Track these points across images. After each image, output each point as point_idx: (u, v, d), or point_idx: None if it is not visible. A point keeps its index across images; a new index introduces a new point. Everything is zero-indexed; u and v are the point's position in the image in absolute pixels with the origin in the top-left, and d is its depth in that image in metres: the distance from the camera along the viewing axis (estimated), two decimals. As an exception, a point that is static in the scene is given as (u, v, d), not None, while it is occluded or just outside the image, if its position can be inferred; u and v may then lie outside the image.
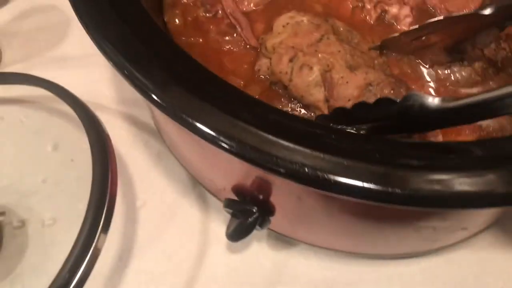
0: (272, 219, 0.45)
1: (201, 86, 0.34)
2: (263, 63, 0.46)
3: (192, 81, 0.34)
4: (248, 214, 0.44)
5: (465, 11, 0.44)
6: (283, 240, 0.51)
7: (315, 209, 0.41)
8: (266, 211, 0.44)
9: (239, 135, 0.31)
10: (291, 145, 0.31)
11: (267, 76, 0.46)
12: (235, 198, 0.46)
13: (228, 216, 0.46)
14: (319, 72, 0.43)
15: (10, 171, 0.55)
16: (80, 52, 0.63)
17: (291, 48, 0.44)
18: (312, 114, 0.45)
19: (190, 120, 0.32)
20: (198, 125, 0.31)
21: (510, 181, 0.28)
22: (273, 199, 0.43)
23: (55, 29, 0.65)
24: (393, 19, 0.50)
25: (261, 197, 0.43)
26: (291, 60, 0.44)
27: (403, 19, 0.50)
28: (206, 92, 0.33)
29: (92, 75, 0.62)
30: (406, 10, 0.49)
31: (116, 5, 0.37)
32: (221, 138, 0.31)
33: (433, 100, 0.34)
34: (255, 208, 0.44)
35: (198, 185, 0.54)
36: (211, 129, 0.31)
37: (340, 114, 0.39)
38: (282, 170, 0.30)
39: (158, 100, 0.33)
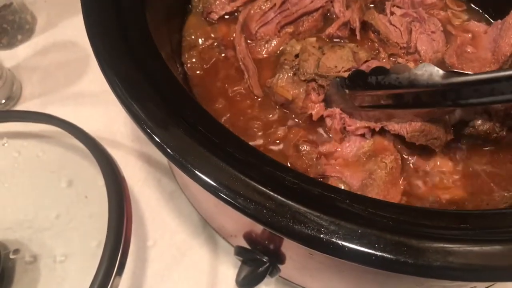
0: (282, 267, 0.46)
1: (210, 136, 0.34)
2: None
3: (200, 131, 0.35)
4: (259, 263, 0.44)
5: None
6: (291, 286, 0.52)
7: (325, 264, 0.41)
8: (277, 261, 0.45)
9: (251, 195, 0.31)
10: (305, 209, 0.31)
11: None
12: (246, 245, 0.47)
13: (237, 259, 0.46)
14: None
15: (24, 206, 0.56)
16: (98, 89, 0.64)
17: None
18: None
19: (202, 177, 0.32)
20: (213, 183, 0.32)
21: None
22: (284, 249, 0.43)
23: (74, 65, 0.67)
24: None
25: (272, 247, 0.44)
26: None
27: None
28: (218, 146, 0.34)
29: (109, 112, 0.63)
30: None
31: (133, 48, 0.38)
32: (237, 200, 0.32)
33: (441, 72, 0.37)
34: (266, 257, 0.44)
35: (208, 227, 0.55)
36: (223, 188, 0.32)
37: (357, 76, 0.42)
38: (293, 236, 0.31)
39: (163, 145, 0.33)
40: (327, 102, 0.47)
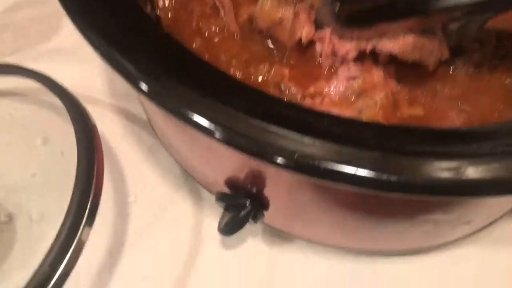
0: (266, 212, 0.44)
1: (191, 74, 0.32)
2: None
3: (182, 69, 0.33)
4: (241, 207, 0.43)
5: None
6: (279, 236, 0.50)
7: (310, 201, 0.39)
8: (259, 204, 0.43)
9: (229, 122, 0.30)
10: (283, 131, 0.29)
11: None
12: (228, 191, 0.44)
13: (220, 207, 0.44)
14: None
15: (-2, 166, 0.54)
16: (73, 45, 0.62)
17: None
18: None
19: (181, 109, 0.30)
20: (190, 114, 0.30)
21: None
22: (267, 191, 0.41)
23: (48, 21, 0.64)
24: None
25: (254, 190, 0.42)
26: None
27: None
28: (197, 80, 0.32)
29: (85, 68, 0.61)
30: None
31: None
32: (213, 126, 0.30)
33: None
34: (248, 201, 0.42)
35: (190, 179, 0.53)
36: (203, 117, 0.30)
37: None
38: (274, 159, 0.29)
39: (147, 88, 0.31)
40: (317, 25, 0.44)
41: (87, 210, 0.40)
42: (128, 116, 0.58)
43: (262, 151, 0.29)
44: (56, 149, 0.55)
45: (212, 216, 0.51)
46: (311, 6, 0.45)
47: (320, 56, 0.45)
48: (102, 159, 0.45)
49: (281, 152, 0.28)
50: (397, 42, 0.41)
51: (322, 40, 0.44)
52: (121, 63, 0.33)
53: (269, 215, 0.44)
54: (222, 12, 0.47)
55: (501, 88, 0.44)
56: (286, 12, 0.45)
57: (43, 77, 0.51)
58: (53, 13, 0.64)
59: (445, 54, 0.42)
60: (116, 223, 0.51)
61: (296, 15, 0.45)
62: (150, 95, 0.32)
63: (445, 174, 0.27)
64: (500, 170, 0.27)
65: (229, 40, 0.47)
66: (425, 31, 0.40)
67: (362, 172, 0.27)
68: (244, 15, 0.47)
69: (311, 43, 0.45)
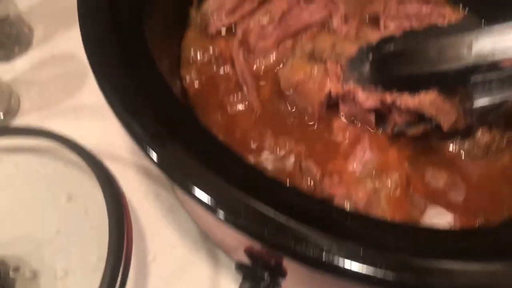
0: (283, 283, 0.46)
1: (207, 153, 0.34)
2: None
3: (197, 147, 0.34)
4: (259, 279, 0.44)
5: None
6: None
7: (327, 283, 0.41)
8: (277, 276, 0.45)
9: (250, 214, 0.31)
10: (306, 229, 0.31)
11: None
12: (247, 260, 0.46)
13: (238, 276, 0.46)
14: None
15: (24, 221, 0.56)
16: (96, 102, 0.64)
17: None
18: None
19: (183, 183, 0.32)
20: (192, 189, 0.32)
21: None
22: (285, 266, 0.43)
23: (72, 78, 0.66)
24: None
25: (272, 263, 0.44)
26: None
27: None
28: (214, 161, 0.34)
29: (107, 124, 0.62)
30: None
31: (129, 60, 0.38)
32: (237, 220, 0.31)
33: None
34: (267, 273, 0.44)
35: (208, 241, 0.55)
36: (207, 194, 0.31)
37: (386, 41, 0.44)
38: (293, 255, 0.31)
39: (158, 162, 0.34)
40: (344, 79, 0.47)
41: (119, 278, 0.43)
42: (148, 174, 0.60)
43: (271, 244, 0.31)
44: (80, 206, 0.57)
45: (228, 278, 0.53)
46: (338, 63, 0.48)
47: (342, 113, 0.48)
48: (131, 228, 0.48)
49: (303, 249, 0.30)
50: (417, 98, 0.44)
51: (346, 97, 0.47)
52: (133, 128, 0.35)
53: (285, 284, 0.46)
54: (245, 89, 0.50)
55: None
56: (315, 67, 0.48)
57: (68, 141, 0.54)
58: (77, 71, 0.67)
59: (461, 122, 0.45)
60: (136, 283, 0.53)
61: (325, 70, 0.48)
62: (158, 165, 0.34)
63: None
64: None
65: (250, 114, 0.50)
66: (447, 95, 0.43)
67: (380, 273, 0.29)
68: (266, 91, 0.50)
69: (334, 106, 0.49)
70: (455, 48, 0.40)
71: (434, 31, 0.43)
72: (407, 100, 0.43)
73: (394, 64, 0.45)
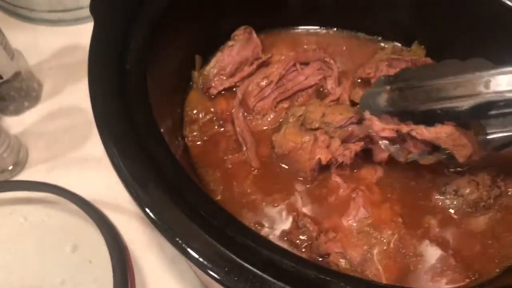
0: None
1: (204, 215, 0.36)
2: None
3: (197, 211, 0.37)
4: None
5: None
6: None
7: None
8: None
9: (247, 279, 0.33)
10: None
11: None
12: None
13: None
14: None
15: (31, 272, 0.57)
16: (101, 154, 0.66)
17: None
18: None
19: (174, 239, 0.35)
20: (182, 246, 0.34)
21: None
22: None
23: (79, 130, 0.69)
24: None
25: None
26: None
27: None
28: (214, 228, 0.36)
29: (112, 175, 0.64)
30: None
31: (135, 126, 0.41)
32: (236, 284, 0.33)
33: None
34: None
35: (210, 292, 0.57)
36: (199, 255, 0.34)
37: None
38: None
39: (156, 221, 0.36)
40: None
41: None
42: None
43: None
44: (85, 257, 0.59)
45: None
46: (326, 133, 0.51)
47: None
48: (134, 280, 0.50)
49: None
50: (433, 130, 0.46)
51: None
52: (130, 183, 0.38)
53: None
54: (244, 148, 0.53)
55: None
56: (306, 137, 0.51)
57: (73, 195, 0.57)
58: (83, 123, 0.69)
59: (476, 154, 0.47)
60: (139, 333, 0.55)
61: (315, 139, 0.51)
62: (154, 223, 0.36)
63: None
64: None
65: (249, 172, 0.53)
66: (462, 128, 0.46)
67: None
68: (264, 150, 0.53)
69: (327, 168, 0.51)
70: (472, 84, 0.43)
71: (451, 67, 0.46)
72: (423, 131, 0.46)
73: (411, 97, 0.48)
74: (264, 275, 0.33)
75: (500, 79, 0.42)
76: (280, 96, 0.55)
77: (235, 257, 0.34)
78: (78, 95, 0.71)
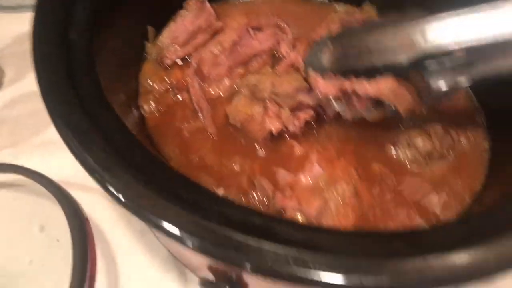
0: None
1: (161, 182, 0.37)
2: None
3: (152, 177, 0.37)
4: (223, 293, 0.47)
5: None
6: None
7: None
8: (238, 288, 0.47)
9: (204, 234, 0.34)
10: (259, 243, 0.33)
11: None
12: (211, 276, 0.49)
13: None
14: None
15: (-1, 254, 0.58)
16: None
17: None
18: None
19: (152, 217, 0.35)
20: (162, 223, 0.34)
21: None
22: (247, 279, 0.45)
23: (43, 114, 0.68)
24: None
25: (234, 276, 0.46)
26: None
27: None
28: (168, 188, 0.36)
29: None
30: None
31: (83, 100, 0.41)
32: (184, 236, 0.34)
33: None
34: (228, 287, 0.47)
35: (178, 262, 0.57)
36: (176, 227, 0.34)
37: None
38: (250, 268, 0.33)
39: (119, 197, 0.36)
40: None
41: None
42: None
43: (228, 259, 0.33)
44: (52, 236, 0.59)
45: (198, 296, 0.55)
46: (276, 103, 0.51)
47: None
48: (94, 251, 0.50)
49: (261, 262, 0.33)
50: (375, 86, 0.46)
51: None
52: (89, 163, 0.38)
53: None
54: (200, 115, 0.53)
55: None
56: (257, 108, 0.51)
57: (35, 173, 0.57)
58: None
59: (417, 107, 0.47)
60: (109, 305, 0.55)
61: (266, 110, 0.51)
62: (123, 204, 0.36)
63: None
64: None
65: (206, 138, 0.53)
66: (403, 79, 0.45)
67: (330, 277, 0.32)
68: (220, 116, 0.54)
69: (280, 137, 0.52)
70: (409, 35, 0.43)
71: (390, 22, 0.45)
72: (366, 87, 0.46)
73: (352, 54, 0.48)
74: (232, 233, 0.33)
75: (435, 26, 0.42)
76: (234, 62, 0.56)
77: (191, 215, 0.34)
78: (41, 79, 0.71)
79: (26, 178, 0.59)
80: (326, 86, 0.48)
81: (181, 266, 0.57)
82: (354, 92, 0.47)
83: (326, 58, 0.49)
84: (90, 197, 0.63)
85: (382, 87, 0.45)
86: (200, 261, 0.48)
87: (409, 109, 0.46)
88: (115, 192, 0.36)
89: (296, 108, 0.52)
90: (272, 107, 0.51)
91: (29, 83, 0.73)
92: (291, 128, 0.51)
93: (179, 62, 0.58)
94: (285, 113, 0.51)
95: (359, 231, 0.45)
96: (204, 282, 0.48)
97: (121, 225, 0.61)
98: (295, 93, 0.51)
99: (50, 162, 0.63)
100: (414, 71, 0.44)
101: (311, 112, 0.52)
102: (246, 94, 0.52)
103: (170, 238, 0.34)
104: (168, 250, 0.57)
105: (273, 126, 0.51)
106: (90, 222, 0.60)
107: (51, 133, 0.67)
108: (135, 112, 0.53)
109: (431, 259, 0.32)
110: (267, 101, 0.51)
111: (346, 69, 0.47)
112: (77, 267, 0.50)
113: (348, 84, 0.47)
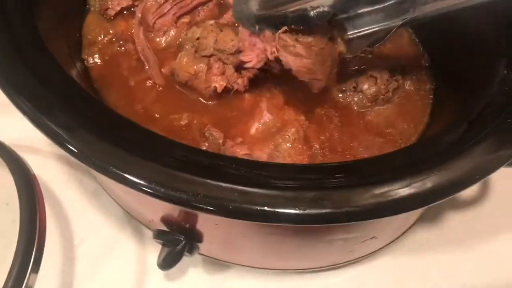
0: (201, 245, 0.48)
1: (110, 130, 0.36)
2: None
3: (100, 125, 0.36)
4: (176, 242, 0.46)
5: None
6: (218, 264, 0.54)
7: (238, 234, 0.44)
8: (193, 238, 0.47)
9: (156, 177, 0.33)
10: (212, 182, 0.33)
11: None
12: (165, 228, 0.48)
13: (158, 243, 0.48)
14: None
15: None
16: (11, 97, 0.64)
17: None
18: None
19: (102, 164, 0.34)
20: (113, 169, 0.34)
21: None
22: (199, 227, 0.45)
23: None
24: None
25: (187, 226, 0.46)
26: None
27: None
28: (117, 136, 0.36)
29: (24, 119, 0.63)
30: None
31: (22, 52, 0.40)
32: (142, 183, 0.34)
33: None
34: (183, 236, 0.46)
35: (133, 219, 0.56)
36: (131, 175, 0.34)
37: None
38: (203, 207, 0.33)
39: (70, 147, 0.35)
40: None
41: (32, 258, 0.43)
42: (69, 163, 0.61)
43: (182, 200, 0.33)
44: (2, 199, 0.57)
45: (155, 252, 0.54)
46: (219, 60, 0.50)
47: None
48: (44, 208, 0.48)
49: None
50: (296, 62, 0.46)
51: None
52: (45, 125, 0.38)
53: (204, 247, 0.48)
54: (147, 66, 0.52)
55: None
56: (201, 66, 0.50)
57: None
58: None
59: (332, 83, 0.49)
60: (64, 266, 0.54)
61: (209, 68, 0.50)
62: (72, 153, 0.35)
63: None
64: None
65: (154, 90, 0.52)
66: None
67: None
68: (167, 69, 0.52)
69: (226, 91, 0.51)
70: None
71: None
72: (289, 60, 0.46)
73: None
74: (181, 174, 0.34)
75: None
76: (180, 11, 0.54)
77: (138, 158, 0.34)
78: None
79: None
80: (251, 52, 0.48)
81: (136, 223, 0.56)
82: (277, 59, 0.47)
83: (254, 3, 0.47)
84: (38, 159, 0.61)
85: (301, 65, 0.46)
86: (152, 211, 0.48)
87: (320, 88, 0.48)
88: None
89: (239, 66, 0.51)
90: (216, 65, 0.50)
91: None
92: (236, 86, 0.51)
93: (123, 12, 0.55)
94: (229, 70, 0.51)
95: (301, 164, 0.45)
96: (158, 232, 0.48)
97: (73, 186, 0.60)
98: (237, 52, 0.50)
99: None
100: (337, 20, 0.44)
101: (255, 70, 0.51)
102: (190, 51, 0.51)
103: (118, 182, 0.34)
104: (122, 207, 0.56)
105: (217, 84, 0.50)
106: (40, 184, 0.58)
107: (-1, 95, 0.66)
108: (79, 65, 0.51)
109: (371, 188, 0.33)
110: (211, 58, 0.50)
111: (276, 15, 0.46)
112: (24, 227, 0.48)
113: (272, 50, 0.46)
